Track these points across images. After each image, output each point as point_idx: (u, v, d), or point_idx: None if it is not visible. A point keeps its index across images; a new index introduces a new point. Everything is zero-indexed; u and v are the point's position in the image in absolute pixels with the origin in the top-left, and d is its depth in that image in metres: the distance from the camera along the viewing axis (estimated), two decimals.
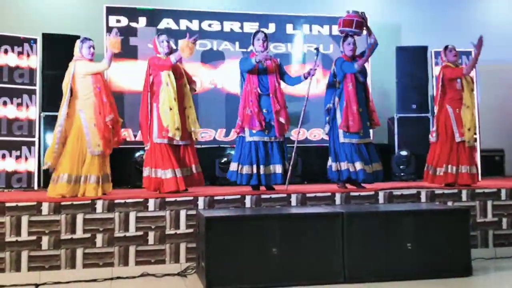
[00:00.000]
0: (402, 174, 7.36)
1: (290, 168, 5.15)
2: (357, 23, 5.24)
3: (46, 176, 6.56)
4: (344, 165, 5.21)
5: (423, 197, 4.95)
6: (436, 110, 5.73)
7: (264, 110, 5.17)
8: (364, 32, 5.28)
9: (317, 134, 7.75)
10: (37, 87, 6.92)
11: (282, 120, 5.16)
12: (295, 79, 5.37)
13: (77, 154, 4.69)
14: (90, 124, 4.75)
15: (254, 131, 5.11)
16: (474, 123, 5.54)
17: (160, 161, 4.94)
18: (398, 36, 8.61)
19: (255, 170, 5.08)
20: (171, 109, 4.92)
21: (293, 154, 5.22)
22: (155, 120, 5.00)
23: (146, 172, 5.02)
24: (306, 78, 5.25)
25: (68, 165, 4.66)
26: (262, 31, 5.31)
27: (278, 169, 5.12)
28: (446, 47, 5.69)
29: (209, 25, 7.78)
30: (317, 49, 5.36)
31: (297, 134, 5.40)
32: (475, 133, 5.56)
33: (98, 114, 4.77)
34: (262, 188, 5.16)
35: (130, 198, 4.42)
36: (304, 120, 5.54)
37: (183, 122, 5.04)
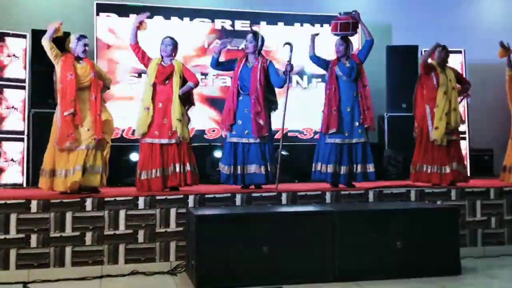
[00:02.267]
0: (392, 173, 7.38)
1: (278, 166, 5.14)
2: (353, 26, 5.28)
3: (35, 174, 6.53)
4: (324, 167, 5.25)
5: (412, 196, 4.97)
6: (415, 109, 5.76)
7: (245, 110, 5.17)
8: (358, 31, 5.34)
9: (308, 132, 7.78)
10: (26, 84, 6.87)
11: (261, 122, 5.13)
12: (279, 80, 5.26)
13: (51, 146, 4.70)
14: (60, 116, 4.71)
15: (234, 132, 5.14)
16: (450, 122, 5.48)
17: (146, 161, 4.98)
18: (389, 36, 8.64)
19: (232, 171, 5.13)
20: (147, 108, 4.99)
21: (278, 153, 5.23)
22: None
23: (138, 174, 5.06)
24: (285, 76, 5.21)
25: (51, 158, 4.67)
26: (252, 32, 5.31)
27: (255, 169, 5.12)
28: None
29: (200, 23, 7.76)
30: (289, 44, 5.28)
31: (281, 133, 5.38)
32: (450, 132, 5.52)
33: (82, 111, 4.76)
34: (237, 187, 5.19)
35: (120, 196, 4.40)
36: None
37: (169, 121, 5.03)
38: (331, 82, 5.28)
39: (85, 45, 4.87)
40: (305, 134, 7.81)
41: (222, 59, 5.44)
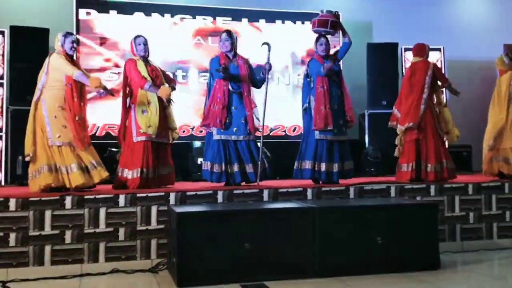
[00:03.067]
0: (372, 169, 7.44)
1: (259, 163, 5.16)
2: (331, 23, 5.28)
3: (13, 172, 6.45)
4: (307, 164, 5.26)
5: (392, 192, 5.02)
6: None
7: (233, 108, 5.16)
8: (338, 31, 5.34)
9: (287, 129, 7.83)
10: (4, 81, 6.77)
11: (255, 118, 5.18)
12: (259, 81, 5.31)
13: (46, 144, 4.64)
14: (51, 115, 4.66)
15: (222, 130, 5.11)
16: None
17: (137, 160, 4.91)
18: (369, 33, 8.70)
19: (223, 168, 5.09)
20: (143, 112, 4.96)
21: (260, 150, 5.24)
22: (133, 120, 5.01)
23: (120, 172, 5.00)
24: (264, 75, 5.26)
25: (44, 155, 4.60)
26: (228, 32, 5.29)
27: (249, 168, 5.13)
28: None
29: (181, 19, 7.73)
30: (267, 44, 5.32)
31: (262, 131, 5.38)
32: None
33: (62, 109, 4.69)
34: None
35: (100, 194, 4.37)
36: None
37: (163, 121, 5.04)
38: (322, 81, 5.27)
39: (73, 42, 4.80)
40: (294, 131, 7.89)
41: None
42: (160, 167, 5.06)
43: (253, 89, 5.32)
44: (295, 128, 7.89)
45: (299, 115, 5.51)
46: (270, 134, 7.69)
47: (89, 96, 5.17)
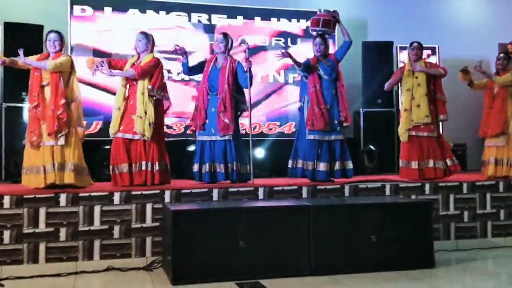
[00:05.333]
0: (367, 168, 7.45)
1: (251, 162, 5.20)
2: (323, 22, 5.28)
3: (7, 169, 6.42)
4: (304, 164, 5.28)
5: (387, 191, 5.03)
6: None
7: (212, 109, 5.20)
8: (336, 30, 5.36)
9: (284, 128, 7.83)
10: None
11: (226, 120, 5.16)
12: (245, 81, 5.28)
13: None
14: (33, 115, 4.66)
15: (202, 131, 5.20)
16: (403, 119, 5.58)
17: (113, 157, 4.95)
18: (364, 32, 8.70)
19: (198, 168, 5.19)
20: (119, 109, 4.97)
21: (250, 149, 5.29)
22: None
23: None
24: (246, 73, 5.23)
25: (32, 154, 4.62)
26: (223, 33, 5.32)
27: (218, 167, 5.17)
28: (410, 44, 5.75)
29: (177, 17, 7.70)
30: (243, 41, 5.34)
31: (250, 130, 5.40)
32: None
33: (44, 107, 4.66)
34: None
35: (95, 191, 4.35)
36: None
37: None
38: (314, 81, 5.29)
39: (51, 40, 4.78)
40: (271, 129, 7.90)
41: (192, 63, 5.43)
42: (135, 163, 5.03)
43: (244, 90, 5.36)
44: (289, 127, 7.88)
45: (293, 113, 5.51)
46: (263, 132, 7.71)
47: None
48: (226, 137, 5.18)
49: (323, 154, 5.28)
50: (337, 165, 5.32)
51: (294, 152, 5.40)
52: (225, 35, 5.32)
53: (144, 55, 5.08)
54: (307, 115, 5.29)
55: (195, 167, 5.23)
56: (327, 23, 5.32)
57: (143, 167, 4.94)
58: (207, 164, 5.18)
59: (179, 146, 6.92)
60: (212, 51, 5.26)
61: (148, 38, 5.11)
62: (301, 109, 5.44)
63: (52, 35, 4.82)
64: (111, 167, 4.95)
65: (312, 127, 5.23)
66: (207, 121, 5.21)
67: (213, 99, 5.22)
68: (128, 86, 5.05)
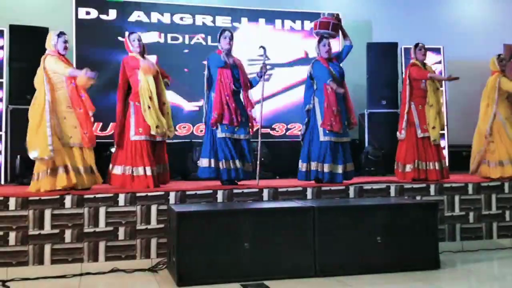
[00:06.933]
0: (372, 168, 7.44)
1: (258, 163, 5.18)
2: (333, 26, 5.31)
3: (13, 171, 6.44)
4: (314, 165, 5.22)
5: (392, 192, 5.02)
6: (401, 106, 5.79)
7: (239, 107, 5.16)
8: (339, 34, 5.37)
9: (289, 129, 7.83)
10: (4, 80, 6.77)
11: (255, 117, 5.20)
12: (252, 82, 5.32)
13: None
14: (61, 116, 4.66)
15: (226, 128, 5.07)
16: (440, 122, 5.57)
17: (134, 158, 4.89)
18: (369, 33, 8.70)
19: (231, 165, 5.05)
20: (149, 107, 4.90)
21: (258, 149, 5.28)
22: (132, 118, 4.97)
23: (118, 170, 4.97)
24: (260, 77, 5.28)
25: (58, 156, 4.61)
26: (229, 30, 5.28)
27: (248, 166, 5.15)
28: (416, 45, 5.73)
29: (181, 19, 7.73)
30: (262, 47, 5.33)
31: (259, 132, 5.39)
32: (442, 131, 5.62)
33: (71, 108, 4.69)
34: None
35: (100, 193, 4.36)
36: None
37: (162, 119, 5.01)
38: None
39: (65, 41, 4.80)
40: (277, 131, 7.88)
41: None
42: (156, 165, 5.04)
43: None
44: (293, 128, 7.88)
45: (297, 114, 5.50)
46: (270, 133, 7.73)
47: None
48: (248, 136, 5.18)
49: (340, 156, 5.25)
50: (341, 168, 5.27)
51: (307, 154, 5.30)
52: (231, 32, 5.28)
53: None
54: (322, 117, 5.22)
55: (220, 165, 5.05)
56: (335, 26, 5.35)
57: (167, 168, 5.12)
58: (231, 161, 5.06)
59: (185, 147, 6.96)
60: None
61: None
62: (310, 111, 5.40)
63: (67, 37, 4.85)
64: (126, 168, 4.96)
65: (331, 128, 5.18)
66: (242, 118, 5.12)
67: (238, 97, 5.20)
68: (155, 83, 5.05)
